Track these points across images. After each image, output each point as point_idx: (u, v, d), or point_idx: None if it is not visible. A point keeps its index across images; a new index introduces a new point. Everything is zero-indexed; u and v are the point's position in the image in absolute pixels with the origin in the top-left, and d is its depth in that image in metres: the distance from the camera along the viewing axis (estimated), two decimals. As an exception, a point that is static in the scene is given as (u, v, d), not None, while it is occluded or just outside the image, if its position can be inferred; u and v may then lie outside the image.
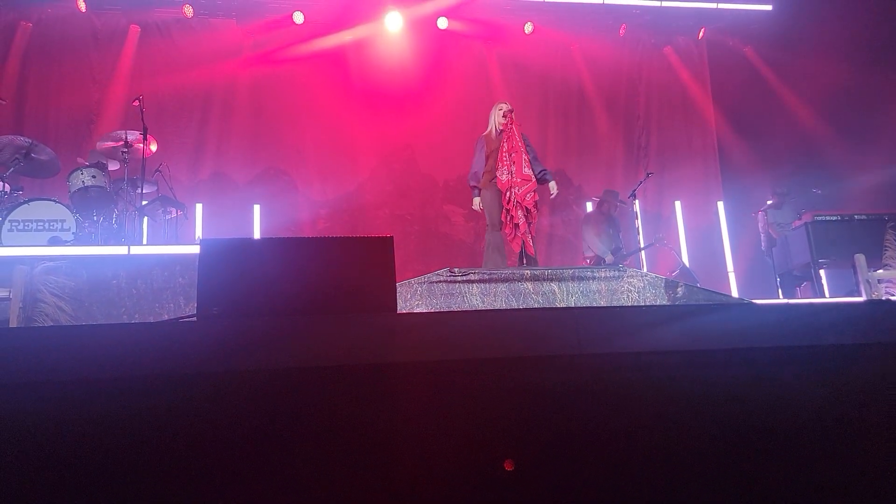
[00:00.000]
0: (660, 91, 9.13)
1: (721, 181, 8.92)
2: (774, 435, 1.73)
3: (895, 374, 1.80)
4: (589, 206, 8.20)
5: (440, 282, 4.26)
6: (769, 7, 8.54)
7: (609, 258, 6.90)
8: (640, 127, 9.05)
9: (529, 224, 5.31)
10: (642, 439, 1.68)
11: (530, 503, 1.59)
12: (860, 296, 5.16)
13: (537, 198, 5.40)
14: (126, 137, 5.75)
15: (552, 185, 5.65)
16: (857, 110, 8.01)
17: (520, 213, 5.22)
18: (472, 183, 5.66)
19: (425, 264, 7.71)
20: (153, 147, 6.01)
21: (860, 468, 1.73)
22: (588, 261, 7.18)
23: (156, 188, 6.20)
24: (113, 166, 5.96)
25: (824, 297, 6.14)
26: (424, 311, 4.10)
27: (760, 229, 7.25)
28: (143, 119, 5.68)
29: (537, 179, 5.44)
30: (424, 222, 8.31)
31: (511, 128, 5.43)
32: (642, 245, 6.96)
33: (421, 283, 4.23)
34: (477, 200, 5.63)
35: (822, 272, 6.28)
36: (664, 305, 4.31)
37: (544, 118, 8.74)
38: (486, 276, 4.36)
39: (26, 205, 5.08)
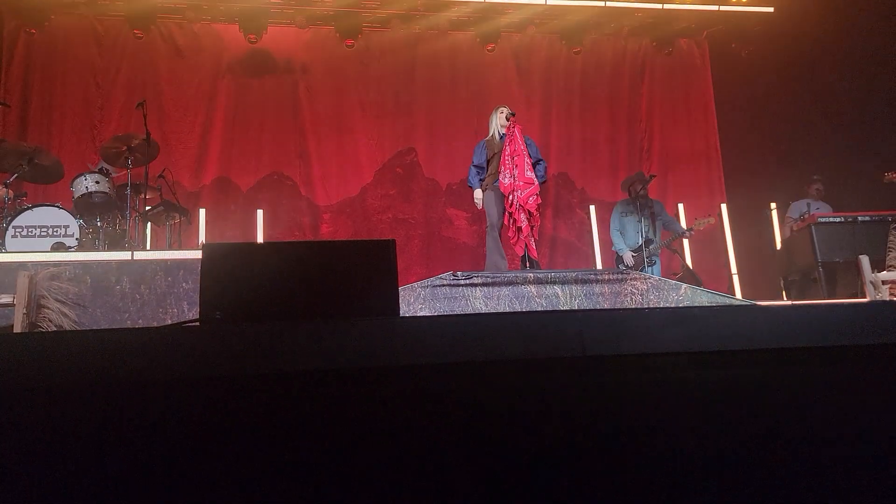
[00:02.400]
0: (662, 93, 9.13)
1: (724, 183, 8.92)
2: (779, 437, 1.73)
3: (900, 376, 1.79)
4: (592, 210, 8.19)
5: (443, 285, 4.27)
6: (771, 9, 8.54)
7: (627, 256, 6.57)
8: (643, 129, 9.05)
9: (532, 227, 5.32)
10: (647, 441, 1.68)
11: (534, 507, 1.58)
12: (864, 297, 5.14)
13: (540, 201, 5.41)
14: (129, 142, 5.77)
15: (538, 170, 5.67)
16: (859, 112, 7.99)
17: (522, 216, 5.23)
18: (471, 185, 5.76)
19: (429, 268, 7.72)
20: (156, 152, 6.03)
21: (866, 471, 1.73)
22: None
23: (159, 193, 6.21)
24: (116, 172, 5.98)
25: (828, 298, 6.12)
26: (427, 314, 4.10)
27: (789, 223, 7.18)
28: (146, 124, 5.69)
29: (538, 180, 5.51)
30: (428, 226, 8.31)
31: (513, 131, 5.45)
32: (677, 234, 6.76)
33: (424, 286, 4.23)
34: (478, 193, 5.70)
35: (825, 274, 6.26)
36: (668, 307, 4.30)
37: (547, 121, 8.74)
38: (490, 280, 4.37)
39: (30, 210, 5.10)
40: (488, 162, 5.67)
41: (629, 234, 6.68)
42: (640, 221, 6.54)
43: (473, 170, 5.80)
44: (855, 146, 7.87)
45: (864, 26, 7.84)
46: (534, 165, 5.56)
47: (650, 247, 6.49)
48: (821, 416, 1.76)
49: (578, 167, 8.76)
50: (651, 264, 6.40)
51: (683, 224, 7.48)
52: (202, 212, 7.41)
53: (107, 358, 1.55)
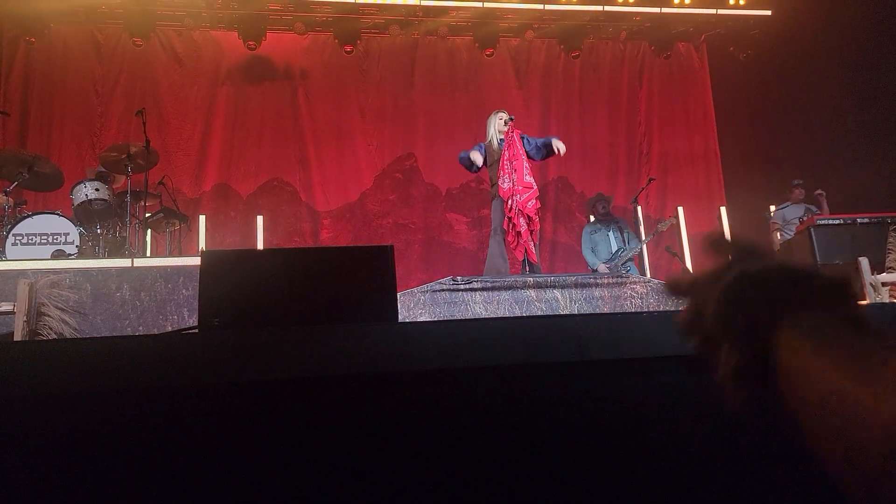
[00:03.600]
0: (661, 97, 9.16)
1: (724, 186, 8.93)
2: (780, 440, 1.72)
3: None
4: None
5: (443, 290, 4.26)
6: (769, 12, 8.56)
7: (600, 268, 6.76)
8: (642, 133, 9.06)
9: (532, 232, 5.32)
10: (647, 444, 1.68)
11: (534, 511, 1.58)
12: (864, 299, 5.13)
13: (539, 205, 5.42)
14: (129, 150, 5.78)
15: (556, 143, 5.54)
16: (857, 113, 8.00)
17: (522, 220, 5.23)
18: (463, 157, 5.67)
19: (429, 273, 7.72)
20: (156, 159, 6.04)
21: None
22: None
23: (159, 200, 6.22)
24: (116, 179, 5.99)
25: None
26: (427, 319, 4.09)
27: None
28: (145, 131, 5.70)
29: (545, 150, 5.46)
30: (427, 230, 8.32)
31: (511, 136, 5.45)
32: (643, 240, 6.96)
33: (423, 291, 4.23)
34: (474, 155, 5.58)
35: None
36: (668, 311, 4.29)
37: (546, 125, 8.75)
38: (489, 284, 4.36)
39: (30, 218, 5.11)
40: (489, 168, 5.66)
41: (601, 250, 6.90)
42: (610, 233, 6.86)
43: (468, 155, 5.67)
44: (855, 147, 7.87)
45: (861, 29, 7.85)
46: (538, 151, 5.55)
47: (620, 253, 6.73)
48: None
49: (578, 171, 8.78)
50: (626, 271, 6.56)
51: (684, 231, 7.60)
52: (202, 218, 7.42)
53: (107, 365, 1.55)
